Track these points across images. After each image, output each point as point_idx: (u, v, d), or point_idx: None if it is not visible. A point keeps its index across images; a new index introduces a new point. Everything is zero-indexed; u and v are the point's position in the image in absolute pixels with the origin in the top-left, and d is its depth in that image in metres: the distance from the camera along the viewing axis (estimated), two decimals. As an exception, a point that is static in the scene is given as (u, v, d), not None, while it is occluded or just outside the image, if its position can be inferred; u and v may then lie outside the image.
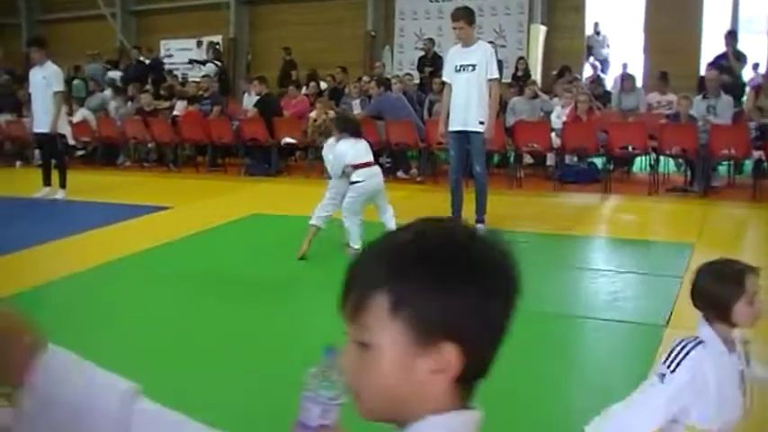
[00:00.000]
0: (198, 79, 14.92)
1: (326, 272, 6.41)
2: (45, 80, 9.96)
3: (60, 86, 10.12)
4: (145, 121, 12.89)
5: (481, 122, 7.42)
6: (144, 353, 4.59)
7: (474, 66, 7.41)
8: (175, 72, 17.55)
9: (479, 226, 7.61)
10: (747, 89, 11.43)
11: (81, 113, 13.51)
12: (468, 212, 7.63)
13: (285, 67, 16.41)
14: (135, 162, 13.42)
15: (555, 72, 13.74)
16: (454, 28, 7.53)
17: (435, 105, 12.02)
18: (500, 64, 13.41)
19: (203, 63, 16.52)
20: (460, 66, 7.49)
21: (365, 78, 12.90)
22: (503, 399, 3.91)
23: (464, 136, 7.57)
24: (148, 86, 14.84)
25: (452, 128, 7.62)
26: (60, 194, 10.13)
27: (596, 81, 13.75)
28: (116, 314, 5.39)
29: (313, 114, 11.68)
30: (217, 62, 16.32)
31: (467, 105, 7.45)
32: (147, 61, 16.94)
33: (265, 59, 18.09)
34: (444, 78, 7.87)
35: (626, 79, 12.38)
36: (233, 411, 3.80)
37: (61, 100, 10.17)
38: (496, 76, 7.57)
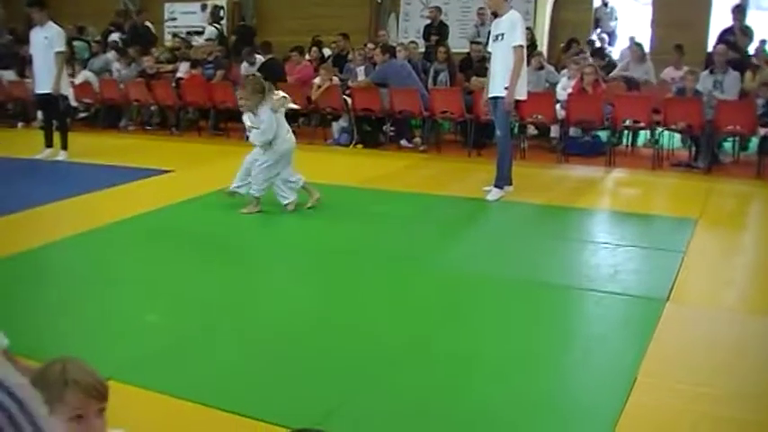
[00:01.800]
0: (201, 42, 14.86)
1: (324, 237, 6.42)
2: (46, 40, 9.90)
3: (62, 47, 10.06)
4: (148, 84, 12.84)
5: (506, 88, 7.63)
6: (142, 311, 4.60)
7: (502, 35, 7.62)
8: (181, 36, 17.42)
9: (495, 190, 7.67)
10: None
11: (83, 75, 13.43)
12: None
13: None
14: (137, 125, 13.36)
15: (563, 44, 13.62)
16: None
17: (440, 74, 11.96)
18: (530, 32, 13.35)
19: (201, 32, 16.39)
20: (494, 36, 7.74)
21: (369, 45, 12.80)
22: (502, 368, 3.93)
23: (495, 102, 7.80)
24: (154, 50, 14.74)
25: (488, 95, 7.95)
26: (62, 156, 10.11)
27: (599, 53, 13.59)
28: (115, 275, 5.40)
29: (317, 81, 11.62)
30: (216, 25, 16.20)
31: (494, 73, 7.75)
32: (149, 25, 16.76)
33: (270, 24, 17.95)
34: (488, 48, 8.12)
35: (635, 48, 12.28)
36: (227, 368, 3.82)
37: (63, 60, 10.11)
38: (518, 42, 7.64)
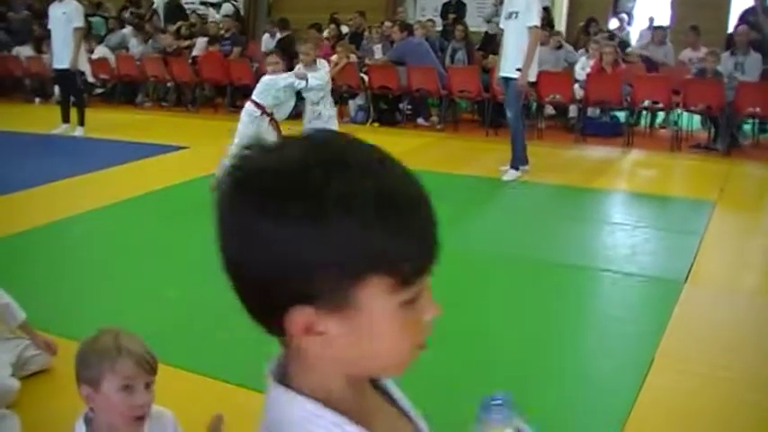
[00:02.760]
0: (217, 18, 14.84)
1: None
2: (65, 15, 9.91)
3: (80, 22, 10.07)
4: (165, 60, 12.84)
5: (518, 69, 7.53)
6: (162, 286, 4.63)
7: (517, 13, 7.52)
8: (197, 12, 17.38)
9: (511, 171, 7.66)
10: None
11: (100, 51, 13.44)
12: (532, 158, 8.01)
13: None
14: (153, 101, 13.38)
15: (582, 23, 13.49)
16: None
17: (458, 53, 11.90)
18: (546, 11, 13.29)
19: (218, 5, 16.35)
20: (508, 13, 7.64)
21: (387, 23, 12.75)
22: (519, 347, 3.93)
23: (506, 82, 7.73)
24: (171, 26, 14.72)
25: (499, 74, 7.88)
26: (78, 131, 10.14)
27: (624, 33, 13.53)
28: (133, 250, 5.42)
29: (334, 58, 11.57)
30: (234, 1, 16.19)
31: (506, 52, 7.66)
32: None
33: (287, 1, 17.89)
34: (501, 25, 8.01)
35: (656, 30, 12.17)
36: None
37: (81, 36, 10.13)
38: (535, 23, 7.55)
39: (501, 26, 7.99)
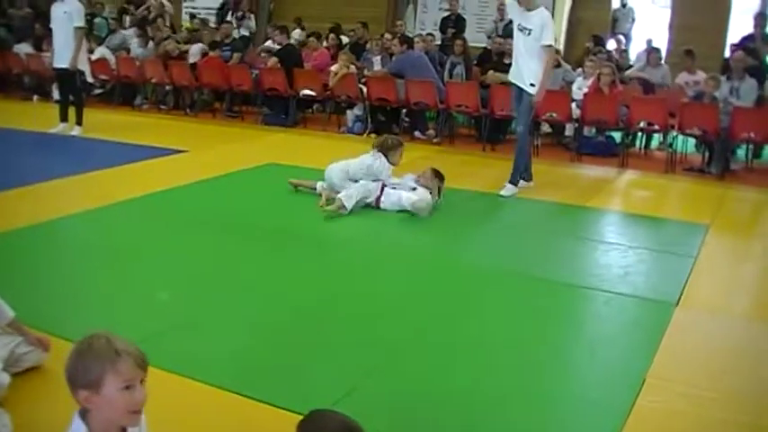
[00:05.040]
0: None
1: (334, 227, 6.42)
2: (66, 15, 9.90)
3: (81, 22, 10.06)
4: (165, 63, 12.83)
5: (532, 84, 7.68)
6: (154, 289, 4.61)
7: (530, 30, 7.62)
8: (199, 16, 17.39)
9: (509, 186, 7.68)
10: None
11: (100, 51, 13.42)
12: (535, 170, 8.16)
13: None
14: (152, 104, 13.36)
15: (588, 44, 13.49)
16: None
17: (456, 68, 11.93)
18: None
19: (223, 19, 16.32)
20: (521, 26, 7.72)
21: (387, 36, 12.76)
22: (510, 365, 3.92)
23: (520, 93, 7.85)
24: (164, 28, 14.72)
25: (513, 80, 7.96)
26: (76, 131, 10.12)
27: (622, 53, 13.59)
28: (127, 252, 5.39)
29: (334, 68, 11.59)
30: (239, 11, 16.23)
31: (519, 64, 7.79)
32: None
33: (288, 10, 17.92)
34: (508, 5, 8.17)
35: (652, 53, 12.23)
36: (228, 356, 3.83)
37: (82, 35, 10.12)
38: (550, 42, 7.68)
39: (501, 34, 8.02)
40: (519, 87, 7.87)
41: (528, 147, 8.13)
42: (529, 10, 7.68)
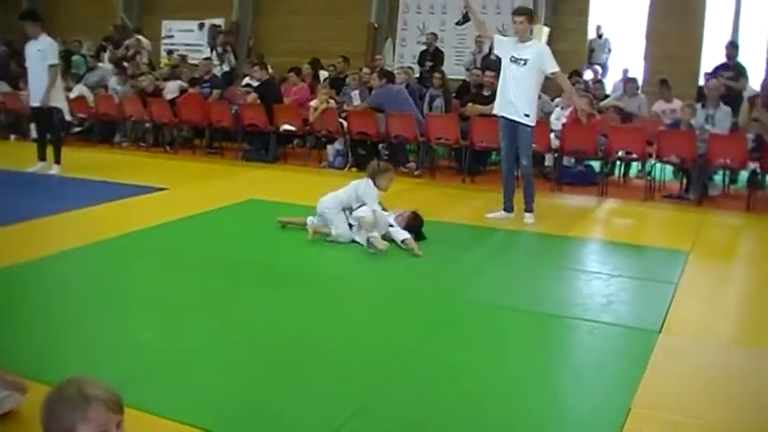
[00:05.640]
0: (197, 61, 14.88)
1: (321, 262, 6.41)
2: (40, 53, 9.87)
3: (55, 59, 10.01)
4: (143, 100, 12.83)
5: (527, 115, 7.81)
6: (137, 329, 4.56)
7: (527, 61, 7.75)
8: (177, 53, 17.44)
9: (528, 215, 7.96)
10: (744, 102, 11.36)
11: (78, 89, 13.42)
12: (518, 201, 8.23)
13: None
14: (131, 141, 13.33)
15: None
16: (515, 22, 7.91)
17: (436, 100, 12.00)
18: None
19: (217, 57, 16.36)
20: (515, 58, 7.82)
21: (365, 70, 12.84)
22: (495, 393, 3.90)
23: (513, 126, 7.91)
24: (142, 65, 14.74)
25: (502, 113, 8.02)
26: (54, 170, 10.07)
27: (598, 83, 13.72)
28: (108, 292, 5.35)
29: (314, 103, 11.63)
30: (218, 49, 16.33)
31: (516, 98, 7.83)
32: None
33: (267, 45, 18.02)
34: (495, 44, 8.24)
35: (629, 82, 12.38)
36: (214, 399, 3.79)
37: (56, 73, 10.04)
38: (557, 69, 7.92)
39: (497, 51, 8.18)
40: (510, 120, 7.92)
41: (513, 178, 8.20)
42: (523, 41, 7.81)
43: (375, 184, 6.99)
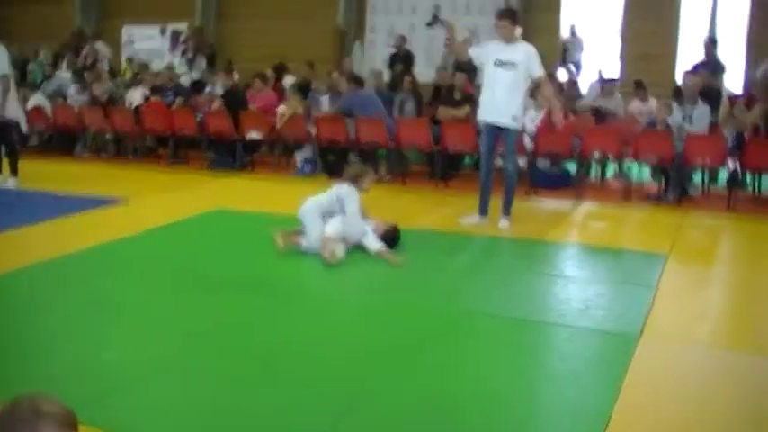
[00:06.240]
0: (160, 69, 14.81)
1: (294, 272, 6.39)
2: None
3: (7, 69, 9.86)
4: (104, 109, 12.76)
5: (514, 118, 7.87)
6: (97, 348, 4.53)
7: (515, 63, 7.77)
8: (138, 60, 17.32)
9: (504, 219, 7.99)
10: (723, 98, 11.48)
11: (35, 99, 13.30)
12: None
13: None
14: (92, 152, 13.23)
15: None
16: (497, 26, 7.96)
17: (407, 104, 12.03)
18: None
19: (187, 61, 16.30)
20: (500, 61, 7.83)
21: (335, 74, 12.84)
22: (471, 404, 3.91)
23: (496, 130, 7.97)
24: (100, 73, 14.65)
25: (486, 118, 8.03)
26: (12, 183, 9.97)
27: (572, 84, 13.81)
28: (68, 309, 5.30)
29: (281, 109, 11.62)
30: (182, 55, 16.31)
31: (502, 101, 7.84)
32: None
33: (233, 51, 17.98)
34: (474, 59, 8.22)
35: (606, 83, 12.47)
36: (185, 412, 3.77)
37: (8, 83, 9.87)
38: (542, 73, 7.98)
39: (475, 59, 8.18)
40: (493, 125, 7.94)
41: (491, 182, 8.23)
42: (509, 42, 7.84)
43: (357, 187, 7.00)
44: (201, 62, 16.46)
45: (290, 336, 4.87)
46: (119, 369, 4.27)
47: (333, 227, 6.76)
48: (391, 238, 7.01)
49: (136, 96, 13.41)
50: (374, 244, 6.78)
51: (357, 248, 6.83)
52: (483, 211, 8.21)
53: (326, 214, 6.93)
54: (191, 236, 7.60)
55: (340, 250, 6.61)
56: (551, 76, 12.88)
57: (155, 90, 13.19)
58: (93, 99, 13.23)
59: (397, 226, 7.14)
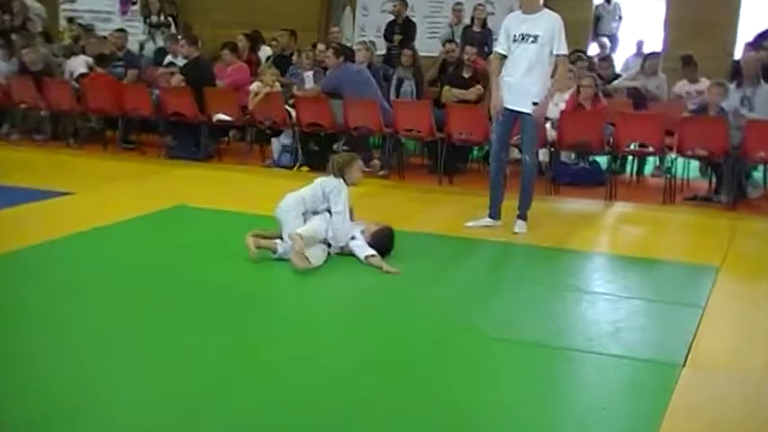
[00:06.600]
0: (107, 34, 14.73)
1: (267, 283, 6.39)
2: None
3: None
4: (37, 81, 12.69)
5: (535, 103, 7.85)
6: (31, 367, 4.53)
7: (536, 37, 7.77)
8: (80, 21, 17.21)
9: (520, 222, 7.93)
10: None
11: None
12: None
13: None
14: (23, 134, 13.17)
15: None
16: None
17: (405, 83, 12.02)
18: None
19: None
20: (521, 35, 7.83)
21: (320, 46, 12.80)
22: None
23: (513, 116, 8.00)
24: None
25: (503, 102, 8.02)
26: None
27: (606, 60, 13.77)
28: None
29: (254, 86, 11.59)
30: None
31: (521, 82, 7.86)
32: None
33: (195, 14, 17.93)
34: (497, 50, 8.18)
35: (648, 58, 12.42)
36: None
37: None
38: (564, 52, 7.96)
39: (499, 50, 8.12)
40: (511, 110, 7.96)
41: (502, 178, 8.28)
42: (530, 12, 7.85)
43: (345, 180, 7.01)
44: (172, 28, 16.33)
45: (252, 359, 4.85)
46: (68, 388, 4.27)
47: (311, 225, 6.77)
48: (383, 242, 7.00)
49: (77, 66, 13.34)
50: (363, 249, 6.78)
51: (344, 255, 6.84)
52: (494, 212, 8.21)
53: (309, 213, 6.95)
54: (144, 237, 7.58)
55: (316, 254, 6.61)
56: (581, 52, 12.90)
57: (100, 59, 13.05)
58: (22, 68, 13.14)
59: (391, 228, 7.14)
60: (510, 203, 8.21)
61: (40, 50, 13.63)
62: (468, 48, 11.44)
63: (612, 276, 7.07)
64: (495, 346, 5.20)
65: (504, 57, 7.99)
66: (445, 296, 6.25)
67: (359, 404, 4.31)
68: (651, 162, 11.62)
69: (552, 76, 8.07)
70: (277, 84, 11.63)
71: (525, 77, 7.83)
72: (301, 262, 6.46)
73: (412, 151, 12.27)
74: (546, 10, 7.97)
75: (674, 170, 10.26)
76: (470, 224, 8.14)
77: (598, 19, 16.46)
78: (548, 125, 10.24)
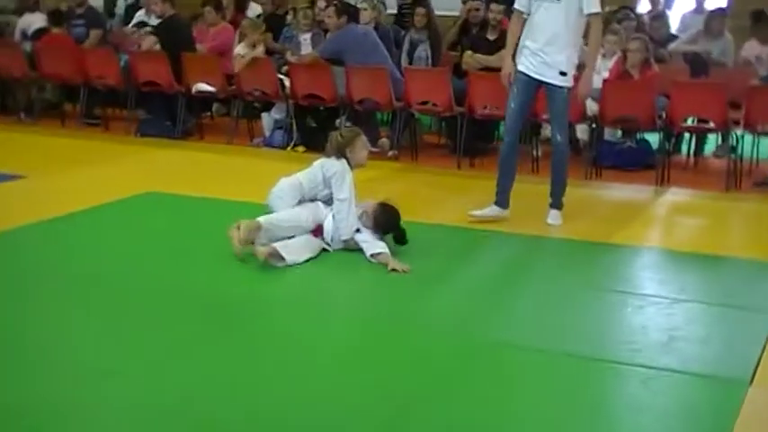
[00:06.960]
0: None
1: (255, 281, 6.40)
2: None
3: None
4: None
5: (563, 73, 7.81)
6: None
7: None
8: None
9: (554, 212, 8.01)
10: None
11: None
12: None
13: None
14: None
15: (609, 9, 13.60)
16: None
17: (419, 48, 11.97)
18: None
19: None
20: None
21: (320, 3, 12.78)
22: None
23: (535, 86, 7.98)
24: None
25: (522, 69, 7.98)
26: None
27: (659, 19, 13.66)
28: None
29: (239, 49, 11.59)
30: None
31: (547, 49, 7.80)
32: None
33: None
34: (517, 6, 8.08)
35: (709, 16, 12.34)
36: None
37: None
38: (597, 9, 7.84)
39: (518, 7, 8.02)
40: (533, 79, 7.92)
41: (515, 157, 8.28)
42: None
43: (348, 161, 7.00)
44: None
45: (232, 376, 4.85)
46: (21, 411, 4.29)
47: (285, 214, 6.80)
48: (390, 221, 6.97)
49: (32, 25, 13.31)
50: (371, 246, 6.75)
51: (345, 250, 6.84)
52: (501, 200, 8.15)
53: (307, 201, 6.94)
54: (107, 230, 7.58)
55: (295, 248, 6.61)
56: (628, 9, 12.84)
57: (56, 17, 13.03)
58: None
59: (387, 202, 7.06)
60: (541, 188, 8.19)
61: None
62: (493, 5, 11.35)
63: (665, 276, 7.06)
64: (522, 357, 5.20)
65: (519, 14, 8.00)
66: (463, 299, 6.25)
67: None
68: (712, 140, 11.60)
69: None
70: (262, 46, 11.55)
71: (549, 43, 7.77)
72: (237, 247, 6.51)
73: (427, 128, 12.26)
74: None
75: (740, 150, 10.23)
76: (477, 213, 8.07)
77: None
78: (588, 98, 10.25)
